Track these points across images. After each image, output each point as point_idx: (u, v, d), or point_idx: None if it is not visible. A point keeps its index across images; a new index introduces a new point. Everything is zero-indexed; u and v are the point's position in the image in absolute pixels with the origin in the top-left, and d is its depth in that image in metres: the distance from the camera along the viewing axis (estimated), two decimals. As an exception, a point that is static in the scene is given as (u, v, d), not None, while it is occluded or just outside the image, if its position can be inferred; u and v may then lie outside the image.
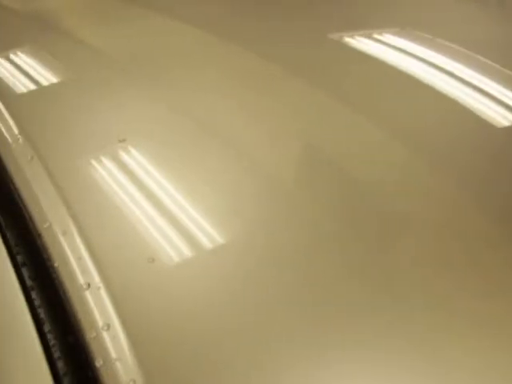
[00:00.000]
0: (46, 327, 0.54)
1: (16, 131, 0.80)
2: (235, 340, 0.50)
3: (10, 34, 1.19)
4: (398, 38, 1.07)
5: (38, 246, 0.61)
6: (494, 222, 0.62)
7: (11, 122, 0.82)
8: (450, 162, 0.71)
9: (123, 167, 0.70)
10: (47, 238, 0.61)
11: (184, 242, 0.59)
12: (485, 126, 0.79)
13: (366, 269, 0.56)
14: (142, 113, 0.82)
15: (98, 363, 0.49)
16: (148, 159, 0.72)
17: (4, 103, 0.87)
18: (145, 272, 0.56)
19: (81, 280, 0.55)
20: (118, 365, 0.48)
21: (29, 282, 0.58)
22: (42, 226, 0.63)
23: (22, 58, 1.05)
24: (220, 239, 0.60)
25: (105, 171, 0.71)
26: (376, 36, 1.06)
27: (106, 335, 0.51)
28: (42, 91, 0.93)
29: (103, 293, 0.54)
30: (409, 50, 1.00)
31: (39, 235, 0.62)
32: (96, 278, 0.55)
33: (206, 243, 0.59)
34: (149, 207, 0.63)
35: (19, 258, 0.61)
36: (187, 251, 0.58)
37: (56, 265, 0.58)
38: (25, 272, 0.59)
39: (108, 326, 0.51)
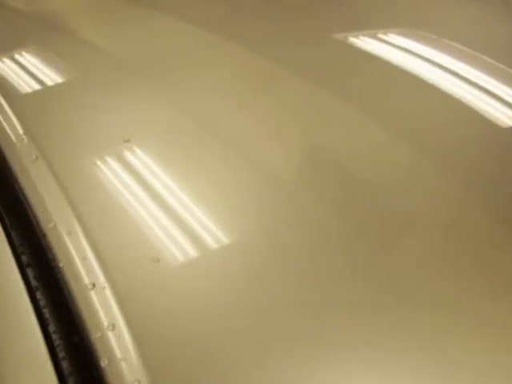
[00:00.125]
0: (51, 327, 0.54)
1: (21, 131, 0.80)
2: (240, 340, 0.50)
3: (16, 35, 1.20)
4: (402, 38, 1.07)
5: (42, 246, 0.61)
6: (499, 223, 0.62)
7: (16, 122, 0.82)
8: (456, 163, 0.70)
9: (128, 167, 0.70)
10: (52, 238, 0.61)
11: (189, 242, 0.59)
12: (490, 126, 0.78)
13: (371, 269, 0.55)
14: (146, 113, 0.83)
15: (103, 363, 0.49)
16: (153, 159, 0.72)
17: (9, 103, 0.88)
18: (150, 272, 0.56)
19: (86, 280, 0.56)
20: (123, 365, 0.48)
21: (34, 283, 0.59)
22: (46, 226, 0.63)
23: (27, 59, 1.06)
24: (224, 239, 0.60)
25: (109, 171, 0.71)
26: (380, 36, 1.06)
27: (110, 335, 0.51)
28: (46, 91, 0.93)
29: (108, 293, 0.54)
30: (413, 49, 1.00)
31: (44, 235, 0.62)
32: (101, 278, 0.55)
33: (211, 243, 0.59)
34: (153, 207, 0.63)
35: (24, 258, 0.61)
36: (192, 251, 0.58)
37: (61, 265, 0.58)
38: (30, 272, 0.60)
39: (113, 326, 0.51)
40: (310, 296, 0.53)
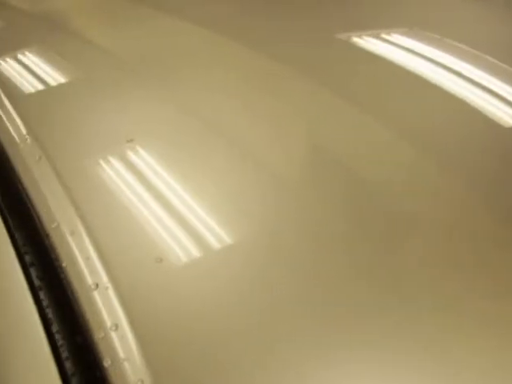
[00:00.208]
0: (54, 327, 0.54)
1: (24, 131, 0.80)
2: (243, 340, 0.50)
3: (19, 35, 1.20)
4: (405, 38, 1.07)
5: (46, 246, 0.61)
6: (502, 223, 0.62)
7: (19, 122, 0.82)
8: (459, 163, 0.70)
9: (131, 167, 0.70)
10: (55, 238, 0.61)
11: (192, 242, 0.59)
12: (493, 126, 0.78)
13: (374, 269, 0.55)
14: (149, 113, 0.83)
15: (106, 363, 0.49)
16: (156, 159, 0.72)
17: (12, 103, 0.88)
18: (153, 272, 0.56)
19: (89, 280, 0.56)
20: (126, 365, 0.48)
21: (37, 282, 0.58)
22: (50, 226, 0.63)
23: (31, 58, 1.06)
24: (228, 239, 0.60)
25: (113, 171, 0.71)
26: (383, 36, 1.06)
27: (114, 335, 0.51)
28: (50, 91, 0.93)
29: (111, 293, 0.54)
30: (416, 49, 1.00)
31: (47, 235, 0.62)
32: (104, 278, 0.55)
33: (214, 243, 0.59)
34: (157, 207, 0.63)
35: (27, 258, 0.61)
36: (195, 251, 0.58)
37: (64, 265, 0.58)
38: (33, 272, 0.60)
39: (116, 326, 0.51)
40: (313, 296, 0.53)
